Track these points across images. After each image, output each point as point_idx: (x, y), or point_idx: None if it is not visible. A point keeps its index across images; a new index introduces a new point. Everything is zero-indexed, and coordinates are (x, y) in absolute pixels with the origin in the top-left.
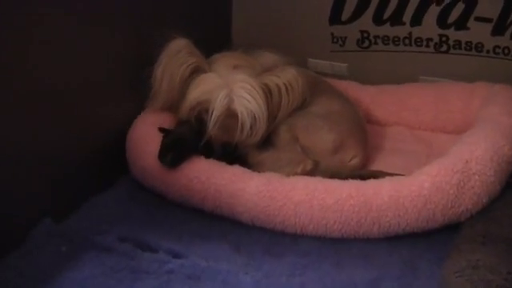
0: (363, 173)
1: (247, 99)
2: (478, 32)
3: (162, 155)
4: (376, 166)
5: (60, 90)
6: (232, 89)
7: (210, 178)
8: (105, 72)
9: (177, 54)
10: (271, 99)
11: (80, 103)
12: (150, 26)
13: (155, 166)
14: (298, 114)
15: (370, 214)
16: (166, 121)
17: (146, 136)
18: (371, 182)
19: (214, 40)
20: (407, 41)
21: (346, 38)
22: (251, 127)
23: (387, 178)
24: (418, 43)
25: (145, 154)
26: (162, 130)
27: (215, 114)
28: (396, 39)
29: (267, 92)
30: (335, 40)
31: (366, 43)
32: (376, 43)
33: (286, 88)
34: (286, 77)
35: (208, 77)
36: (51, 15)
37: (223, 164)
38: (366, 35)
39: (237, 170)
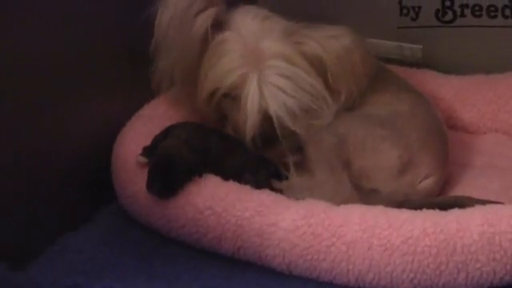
0: (443, 200)
1: (282, 88)
2: None
3: (149, 182)
4: (462, 191)
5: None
6: (262, 70)
7: (228, 209)
8: (75, 55)
9: None
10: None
11: (39, 102)
12: None
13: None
14: (348, 117)
15: (454, 259)
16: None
17: (139, 149)
18: (454, 214)
19: None
20: (508, 11)
21: (420, 8)
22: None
23: (477, 207)
24: None
25: (137, 176)
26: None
27: (250, 122)
28: (492, 9)
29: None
30: (405, 11)
31: (449, 15)
32: (463, 15)
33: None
34: (333, 49)
35: (229, 42)
36: None
37: (247, 188)
38: (448, 4)
39: (266, 196)
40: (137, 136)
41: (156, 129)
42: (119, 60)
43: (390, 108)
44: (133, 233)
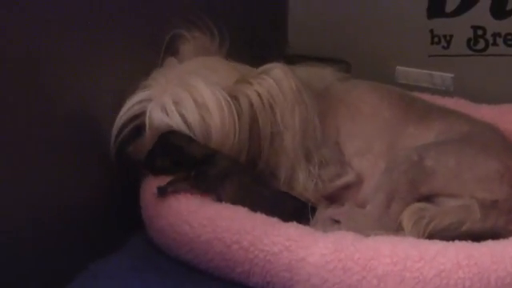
0: (476, 230)
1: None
2: None
3: (147, 159)
4: None
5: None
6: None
7: (255, 244)
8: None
9: None
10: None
11: (71, 133)
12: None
13: (180, 226)
14: (430, 150)
15: None
16: None
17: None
18: (488, 245)
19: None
20: None
21: (451, 36)
22: None
23: None
24: None
25: (164, 211)
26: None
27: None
28: None
29: (238, 109)
30: (436, 40)
31: (481, 44)
32: (495, 44)
33: (268, 102)
34: (265, 83)
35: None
36: None
37: (274, 220)
38: (480, 33)
39: (293, 230)
40: None
41: None
42: None
43: (455, 132)
44: (164, 260)
